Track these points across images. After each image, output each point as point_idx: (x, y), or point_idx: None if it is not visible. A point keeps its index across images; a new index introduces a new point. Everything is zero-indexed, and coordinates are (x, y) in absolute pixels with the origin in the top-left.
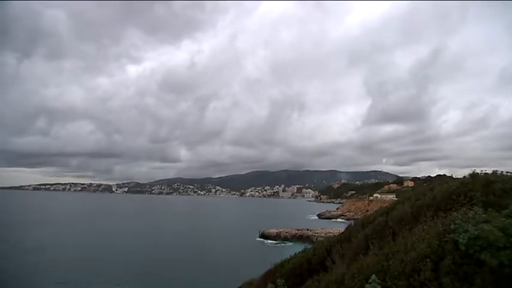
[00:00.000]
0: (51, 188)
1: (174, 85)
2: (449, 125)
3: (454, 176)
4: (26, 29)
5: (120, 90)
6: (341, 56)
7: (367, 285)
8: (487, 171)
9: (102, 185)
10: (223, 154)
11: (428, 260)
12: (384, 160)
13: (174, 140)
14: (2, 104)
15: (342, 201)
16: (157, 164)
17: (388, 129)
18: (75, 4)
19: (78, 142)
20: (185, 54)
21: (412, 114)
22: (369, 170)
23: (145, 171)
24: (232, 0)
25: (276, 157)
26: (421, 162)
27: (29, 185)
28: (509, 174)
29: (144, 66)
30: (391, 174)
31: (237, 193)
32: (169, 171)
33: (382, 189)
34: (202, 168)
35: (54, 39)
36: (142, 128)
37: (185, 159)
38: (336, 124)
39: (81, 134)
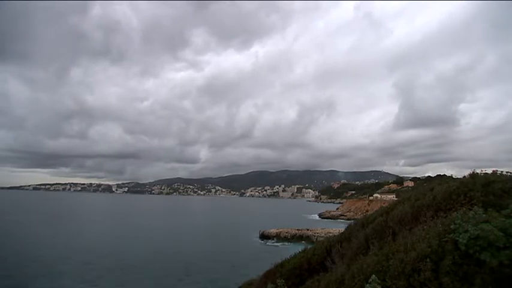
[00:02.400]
0: (51, 188)
1: (215, 89)
2: (470, 129)
3: (454, 176)
4: (101, 32)
5: (161, 92)
6: (384, 65)
7: (367, 285)
8: (487, 171)
9: (102, 185)
10: (244, 155)
11: (428, 260)
12: (397, 162)
13: (201, 142)
14: (48, 107)
15: (342, 201)
16: (173, 164)
17: (412, 133)
18: (144, 4)
19: (103, 143)
20: (242, 57)
21: (438, 119)
22: (368, 170)
23: (157, 171)
24: (312, 1)
25: (294, 158)
26: (431, 164)
27: (29, 185)
28: (509, 174)
29: (198, 69)
30: (391, 174)
31: (237, 193)
32: (180, 172)
33: (382, 189)
34: (217, 169)
35: (123, 41)
36: (171, 129)
37: (204, 160)
38: (361, 128)
39: (108, 135)
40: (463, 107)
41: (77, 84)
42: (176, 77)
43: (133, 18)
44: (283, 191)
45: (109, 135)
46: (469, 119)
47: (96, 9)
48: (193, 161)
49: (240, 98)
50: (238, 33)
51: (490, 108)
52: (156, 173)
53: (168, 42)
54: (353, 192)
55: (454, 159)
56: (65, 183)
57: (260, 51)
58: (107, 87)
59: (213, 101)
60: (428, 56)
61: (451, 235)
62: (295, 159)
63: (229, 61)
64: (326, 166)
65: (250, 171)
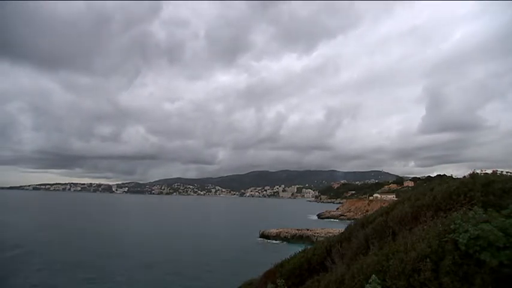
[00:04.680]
0: (51, 188)
1: (255, 91)
2: (490, 132)
3: (454, 176)
4: (166, 34)
5: (199, 95)
6: (422, 72)
7: (367, 285)
8: (487, 171)
9: (102, 185)
10: (265, 156)
11: (428, 260)
12: (406, 163)
13: (223, 144)
14: (85, 110)
15: (342, 201)
16: (190, 165)
17: (437, 137)
18: (208, 4)
19: (126, 145)
20: (298, 61)
21: (464, 124)
22: (369, 170)
23: (169, 172)
24: (381, 0)
25: (311, 159)
26: (442, 165)
27: (29, 185)
28: (509, 174)
29: (251, 74)
30: (391, 174)
31: (237, 193)
32: (193, 172)
33: (382, 189)
34: (233, 169)
35: (184, 43)
36: (196, 131)
37: (222, 161)
38: (383, 131)
39: (133, 137)
40: (489, 112)
41: (121, 87)
42: (222, 79)
43: (198, 20)
44: (283, 191)
45: (133, 137)
46: (492, 123)
47: (165, 11)
48: (211, 162)
49: (275, 100)
50: (302, 36)
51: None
52: (167, 173)
53: (229, 45)
54: (353, 192)
55: (468, 160)
56: (65, 184)
57: (317, 54)
58: (148, 88)
59: (247, 104)
60: (463, 64)
61: (451, 235)
62: (312, 160)
63: (283, 64)
64: (329, 166)
65: (250, 171)
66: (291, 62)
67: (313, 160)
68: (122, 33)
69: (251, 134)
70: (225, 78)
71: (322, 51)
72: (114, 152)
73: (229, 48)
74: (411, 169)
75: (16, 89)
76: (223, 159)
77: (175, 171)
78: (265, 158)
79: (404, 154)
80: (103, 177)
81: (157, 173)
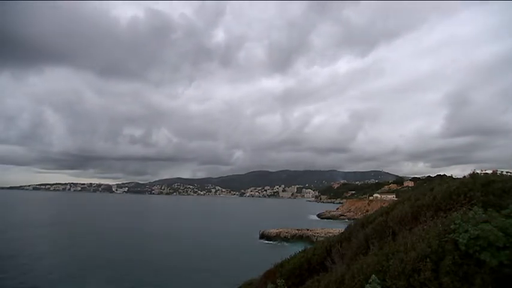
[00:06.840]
0: (51, 188)
1: (291, 95)
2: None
3: (454, 176)
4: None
5: (233, 98)
6: (463, 75)
7: (367, 285)
8: (487, 171)
9: (102, 185)
10: (280, 158)
11: (428, 260)
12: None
13: (243, 145)
14: (117, 113)
15: (342, 201)
16: (205, 166)
17: (455, 140)
18: (266, 3)
19: (147, 146)
20: (345, 65)
21: (485, 128)
22: (369, 170)
23: (180, 172)
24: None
25: (325, 161)
26: (449, 166)
27: (29, 185)
28: (509, 174)
29: (298, 80)
30: (391, 174)
31: (237, 193)
32: (203, 173)
33: (382, 189)
34: (246, 168)
35: (240, 47)
36: (219, 132)
37: (238, 162)
38: (406, 135)
39: (158, 139)
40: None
41: (172, 95)
42: (267, 83)
43: (259, 23)
44: (283, 191)
45: (160, 139)
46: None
47: (228, 14)
48: (228, 163)
49: (308, 103)
50: (361, 38)
51: None
52: (172, 173)
53: (286, 48)
54: (353, 192)
55: (479, 161)
56: (65, 184)
57: (370, 57)
58: (193, 92)
59: (280, 106)
60: (492, 71)
61: (451, 235)
62: (326, 162)
63: (334, 67)
64: (329, 166)
65: (250, 171)
66: (342, 65)
67: (327, 162)
68: (182, 43)
69: (273, 136)
70: (271, 82)
71: (378, 53)
72: (135, 153)
73: (286, 51)
74: (419, 170)
75: (51, 91)
76: (240, 160)
77: (180, 171)
78: (283, 159)
79: (418, 156)
80: (112, 177)
81: (167, 173)
